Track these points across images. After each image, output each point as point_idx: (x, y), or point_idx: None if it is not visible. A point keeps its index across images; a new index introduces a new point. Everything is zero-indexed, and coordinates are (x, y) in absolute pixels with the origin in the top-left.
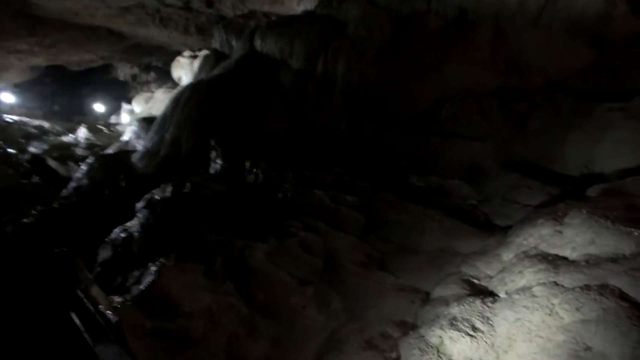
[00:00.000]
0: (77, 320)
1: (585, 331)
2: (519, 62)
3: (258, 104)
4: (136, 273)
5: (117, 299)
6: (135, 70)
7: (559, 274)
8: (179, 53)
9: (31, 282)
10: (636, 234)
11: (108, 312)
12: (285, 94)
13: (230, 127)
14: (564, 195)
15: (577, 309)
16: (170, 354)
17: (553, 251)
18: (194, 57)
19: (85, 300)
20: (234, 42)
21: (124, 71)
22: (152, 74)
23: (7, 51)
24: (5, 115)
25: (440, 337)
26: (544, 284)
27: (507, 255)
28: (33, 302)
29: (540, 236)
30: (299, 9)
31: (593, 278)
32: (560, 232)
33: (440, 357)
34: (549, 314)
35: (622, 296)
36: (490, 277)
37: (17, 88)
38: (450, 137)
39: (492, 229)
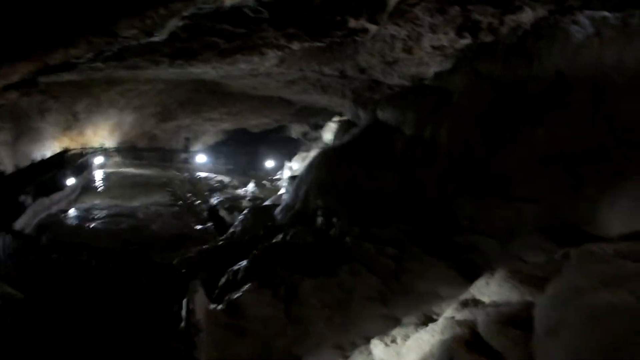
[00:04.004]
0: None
1: (438, 344)
2: (618, 122)
3: (372, 167)
4: (234, 293)
5: (214, 305)
6: (306, 127)
7: (459, 311)
8: (339, 113)
9: (164, 287)
10: (521, 289)
11: (193, 308)
12: (397, 158)
13: (346, 187)
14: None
15: (441, 332)
16: (232, 340)
17: (478, 297)
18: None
19: (188, 300)
20: (361, 113)
21: (296, 130)
22: (320, 131)
23: (203, 119)
24: (197, 173)
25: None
26: (444, 317)
27: (460, 299)
28: (162, 296)
29: (477, 287)
30: None
31: (470, 314)
32: (487, 283)
33: None
34: (432, 335)
35: (471, 326)
36: (441, 314)
37: (208, 149)
38: (510, 199)
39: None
